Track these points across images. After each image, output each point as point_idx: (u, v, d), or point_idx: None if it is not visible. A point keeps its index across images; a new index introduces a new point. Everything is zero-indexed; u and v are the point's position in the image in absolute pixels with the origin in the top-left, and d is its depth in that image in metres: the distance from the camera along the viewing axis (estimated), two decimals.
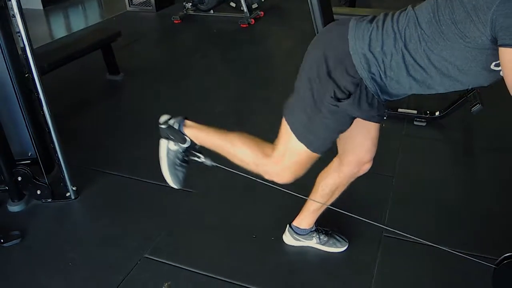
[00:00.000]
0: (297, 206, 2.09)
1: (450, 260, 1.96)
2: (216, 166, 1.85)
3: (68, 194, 2.45)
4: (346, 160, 1.82)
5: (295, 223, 2.10)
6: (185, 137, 1.85)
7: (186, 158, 1.91)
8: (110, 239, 2.21)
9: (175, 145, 1.87)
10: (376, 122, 1.63)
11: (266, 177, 1.71)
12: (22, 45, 2.16)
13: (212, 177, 2.58)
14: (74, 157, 2.63)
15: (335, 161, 1.89)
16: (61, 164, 2.39)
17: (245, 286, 1.93)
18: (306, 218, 2.06)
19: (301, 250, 2.10)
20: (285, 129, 1.61)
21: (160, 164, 1.90)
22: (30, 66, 2.19)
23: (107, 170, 2.72)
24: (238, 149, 1.74)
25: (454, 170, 2.75)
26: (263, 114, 3.34)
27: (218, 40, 5.23)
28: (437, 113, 3.10)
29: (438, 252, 1.86)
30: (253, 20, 5.47)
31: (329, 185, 1.90)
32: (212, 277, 1.98)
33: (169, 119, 1.88)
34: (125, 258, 2.08)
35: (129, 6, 6.30)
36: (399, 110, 3.17)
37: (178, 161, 1.90)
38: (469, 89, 2.99)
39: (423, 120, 3.13)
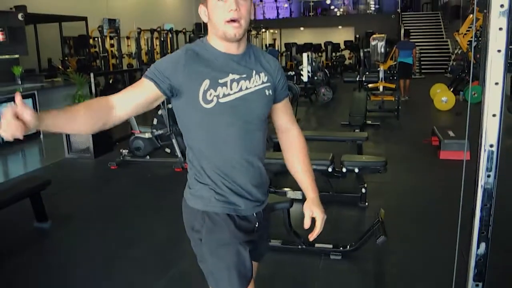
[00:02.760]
0: None
1: None
2: None
3: None
4: None
5: None
6: None
7: None
8: None
9: None
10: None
11: None
12: None
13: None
14: None
15: None
16: None
17: None
18: None
19: None
20: None
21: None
22: None
23: None
24: None
25: None
26: (191, 259, 3.40)
27: (152, 184, 5.41)
28: (348, 247, 3.29)
29: None
30: (186, 164, 5.73)
31: None
32: None
33: None
34: None
35: (68, 153, 6.51)
36: (316, 245, 3.34)
37: None
38: (375, 222, 3.24)
39: (338, 253, 3.29)
